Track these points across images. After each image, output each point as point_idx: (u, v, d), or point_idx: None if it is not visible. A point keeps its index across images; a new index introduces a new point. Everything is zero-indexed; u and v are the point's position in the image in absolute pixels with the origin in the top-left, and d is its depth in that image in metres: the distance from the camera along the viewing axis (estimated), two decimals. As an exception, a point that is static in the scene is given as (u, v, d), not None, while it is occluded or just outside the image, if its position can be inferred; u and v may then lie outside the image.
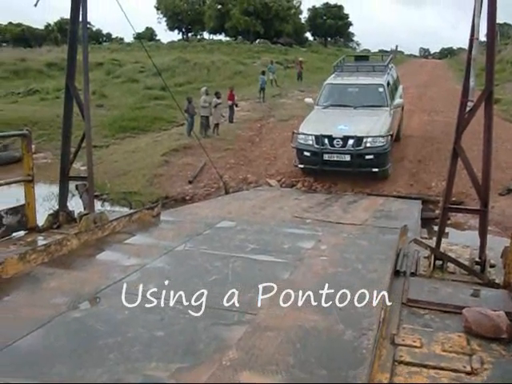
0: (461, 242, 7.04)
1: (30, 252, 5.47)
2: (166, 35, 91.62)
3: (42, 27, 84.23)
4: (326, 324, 4.13)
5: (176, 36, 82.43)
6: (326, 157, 12.58)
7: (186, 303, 4.53)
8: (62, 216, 7.29)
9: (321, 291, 4.83)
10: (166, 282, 5.06)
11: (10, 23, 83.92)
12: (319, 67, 39.54)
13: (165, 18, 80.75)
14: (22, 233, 6.95)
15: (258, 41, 65.76)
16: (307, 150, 12.90)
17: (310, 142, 12.80)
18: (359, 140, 12.30)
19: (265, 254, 6.02)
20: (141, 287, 4.90)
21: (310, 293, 4.77)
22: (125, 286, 4.95)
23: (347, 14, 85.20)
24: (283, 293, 4.80)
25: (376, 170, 12.43)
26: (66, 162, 7.43)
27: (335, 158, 12.49)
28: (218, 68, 38.92)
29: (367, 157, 12.31)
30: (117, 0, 7.43)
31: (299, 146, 13.13)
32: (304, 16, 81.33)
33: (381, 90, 14.05)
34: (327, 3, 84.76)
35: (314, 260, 5.83)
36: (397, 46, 74.37)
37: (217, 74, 36.53)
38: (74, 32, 7.17)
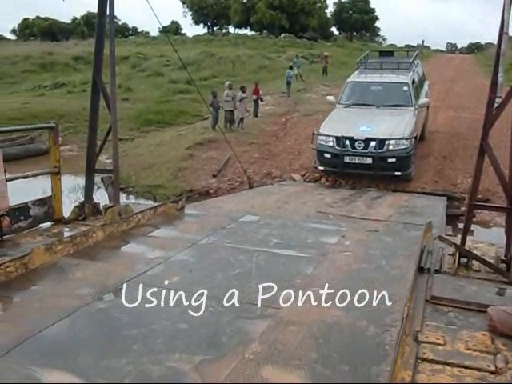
0: (486, 239, 6.96)
1: (57, 243, 5.56)
2: (192, 29, 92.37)
3: (68, 21, 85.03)
4: (349, 320, 4.13)
5: (201, 30, 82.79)
6: (346, 159, 12.11)
7: (209, 296, 4.56)
8: (87, 208, 7.36)
9: (344, 287, 4.83)
10: (190, 275, 5.10)
11: (38, 17, 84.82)
12: (344, 62, 39.25)
13: (190, 12, 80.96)
14: (48, 224, 7.05)
15: (283, 35, 65.60)
16: (327, 152, 12.43)
17: (331, 144, 12.31)
18: (381, 142, 11.83)
19: (288, 248, 6.03)
20: (164, 279, 4.96)
21: (334, 288, 4.77)
22: (148, 278, 5.01)
23: (373, 9, 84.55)
24: (306, 287, 4.81)
25: (398, 173, 11.93)
26: (92, 154, 7.50)
27: (356, 161, 12.04)
28: (243, 62, 38.92)
29: (389, 160, 11.84)
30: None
31: (319, 148, 12.67)
32: (330, 10, 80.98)
33: (405, 88, 13.49)
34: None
35: (337, 255, 5.83)
36: (423, 41, 73.45)
37: (242, 68, 36.53)
38: (101, 26, 7.23)
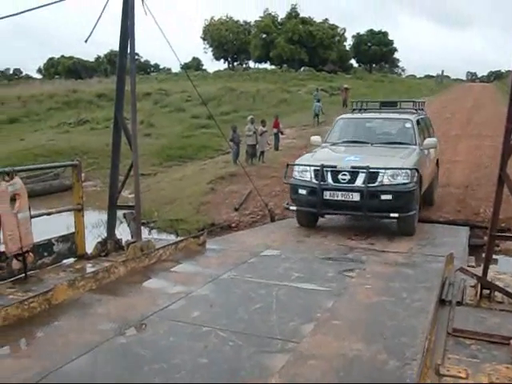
0: (511, 269, 6.89)
1: (79, 279, 5.64)
2: (212, 65, 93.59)
3: (92, 60, 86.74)
4: (370, 353, 4.11)
5: (222, 65, 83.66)
6: (327, 195, 9.26)
7: (230, 331, 4.57)
8: (110, 244, 7.46)
9: (364, 320, 4.82)
10: (211, 310, 5.13)
11: (63, 56, 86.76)
12: (364, 93, 39.43)
13: (211, 48, 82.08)
14: (71, 260, 7.14)
15: (302, 68, 66.18)
16: (303, 187, 9.59)
17: (308, 177, 9.56)
18: (373, 174, 9.05)
19: (309, 282, 6.03)
20: (186, 314, 4.99)
21: (354, 322, 4.77)
22: (169, 313, 5.05)
23: (392, 40, 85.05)
24: (327, 321, 4.81)
25: (395, 215, 9.00)
26: (114, 191, 7.62)
27: (339, 198, 9.19)
28: (263, 96, 39.25)
29: (383, 197, 8.99)
30: (162, 33, 7.63)
31: (294, 182, 9.87)
32: (348, 43, 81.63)
33: (408, 125, 10.90)
34: (372, 30, 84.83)
35: (358, 289, 5.82)
36: (443, 71, 73.91)
37: (262, 102, 36.82)
38: (122, 65, 7.42)
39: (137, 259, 6.54)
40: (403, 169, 9.17)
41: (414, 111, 11.92)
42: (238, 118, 27.65)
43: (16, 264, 6.11)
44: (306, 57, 70.25)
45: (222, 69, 76.95)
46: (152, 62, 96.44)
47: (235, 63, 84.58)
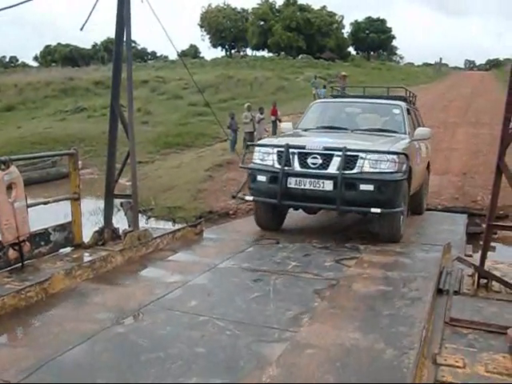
0: (509, 257, 6.90)
1: (76, 268, 5.63)
2: (210, 52, 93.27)
3: (89, 47, 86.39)
4: (367, 343, 4.11)
5: (219, 53, 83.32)
6: (291, 183, 7.53)
7: (227, 320, 4.57)
8: (107, 233, 7.45)
9: (362, 309, 4.82)
10: (208, 299, 5.13)
11: (59, 44, 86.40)
12: (362, 81, 39.33)
13: (208, 36, 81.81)
14: (68, 249, 7.13)
15: (300, 56, 65.93)
16: (263, 172, 7.83)
17: (270, 161, 7.81)
18: (351, 158, 7.32)
19: (306, 271, 6.02)
20: (183, 303, 4.99)
21: (351, 311, 4.77)
22: (167, 302, 5.05)
23: (390, 28, 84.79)
24: (324, 311, 4.81)
25: (377, 210, 7.17)
26: (111, 180, 7.60)
27: (307, 186, 7.44)
28: (261, 84, 39.19)
29: (363, 187, 7.25)
30: (158, 20, 7.55)
31: (252, 167, 8.12)
32: (346, 30, 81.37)
33: (397, 111, 9.21)
34: (370, 17, 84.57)
35: (355, 278, 5.81)
36: (441, 59, 73.72)
37: (260, 90, 36.77)
38: (118, 53, 7.37)
39: (134, 248, 6.52)
40: (390, 153, 7.41)
41: (404, 100, 10.03)
42: (236, 105, 27.65)
43: (12, 253, 6.10)
44: (303, 44, 70.01)
45: (219, 56, 76.70)
46: (149, 50, 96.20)
47: (233, 51, 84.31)
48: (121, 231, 7.52)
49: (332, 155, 7.42)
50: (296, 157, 7.61)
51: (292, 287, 5.47)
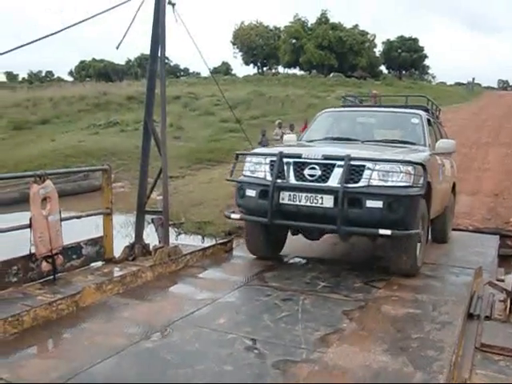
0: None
1: (107, 282, 5.71)
2: (242, 69, 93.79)
3: (123, 63, 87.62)
4: (395, 366, 4.08)
5: (251, 70, 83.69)
6: (284, 198, 6.45)
7: (255, 339, 4.58)
8: (137, 248, 7.53)
9: (391, 332, 4.79)
10: (236, 317, 5.14)
11: (94, 59, 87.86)
12: (394, 100, 39.23)
13: (240, 53, 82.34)
14: (99, 263, 7.22)
15: (332, 74, 65.90)
16: (252, 186, 6.77)
17: (262, 173, 6.77)
18: (356, 168, 6.22)
19: (336, 292, 6.00)
20: (211, 321, 5.01)
21: (380, 333, 4.74)
22: (196, 318, 5.08)
23: (422, 47, 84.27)
24: (353, 332, 4.79)
25: (386, 232, 5.98)
26: (143, 196, 7.70)
27: (303, 202, 6.33)
28: (292, 101, 39.25)
29: (370, 203, 6.09)
30: (192, 40, 7.65)
31: (241, 180, 7.08)
32: (378, 49, 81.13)
33: (415, 120, 8.04)
34: (402, 36, 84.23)
35: (384, 300, 5.77)
36: (473, 79, 72.82)
37: (291, 107, 36.82)
38: (152, 72, 7.50)
39: (164, 264, 6.59)
40: (404, 162, 6.20)
41: (425, 110, 8.73)
42: (267, 122, 27.70)
43: (45, 266, 6.21)
44: (335, 62, 70.01)
45: (251, 73, 77.11)
46: (182, 66, 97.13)
47: (264, 68, 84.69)
48: (151, 247, 7.59)
49: (333, 165, 6.28)
50: (291, 167, 6.50)
51: (320, 307, 5.45)
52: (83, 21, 6.40)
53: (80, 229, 8.00)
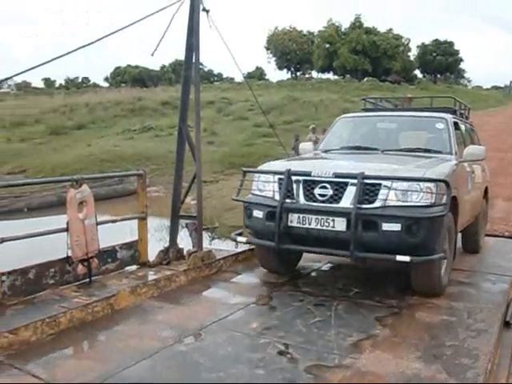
0: None
1: (141, 286, 5.79)
2: (275, 74, 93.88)
3: (157, 68, 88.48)
4: (429, 373, 4.05)
5: (285, 75, 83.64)
6: (293, 220, 5.91)
7: (287, 343, 4.59)
8: (171, 253, 7.59)
9: (425, 338, 4.75)
10: (269, 322, 5.15)
11: (129, 65, 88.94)
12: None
13: (274, 58, 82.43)
14: (134, 267, 7.30)
15: (366, 79, 65.61)
16: (260, 206, 6.24)
17: (270, 192, 6.23)
18: (371, 187, 5.63)
19: (368, 298, 5.97)
20: (244, 325, 5.04)
21: (413, 340, 4.70)
22: (228, 323, 5.11)
23: (458, 50, 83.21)
24: (386, 338, 4.77)
25: (405, 258, 5.38)
26: (177, 200, 7.76)
27: (313, 225, 5.79)
28: (325, 106, 39.14)
29: (386, 226, 5.48)
30: (226, 46, 7.69)
31: (248, 199, 6.56)
32: (413, 53, 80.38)
33: (441, 126, 7.43)
34: (437, 39, 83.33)
35: (419, 306, 5.71)
36: (511, 82, 71.74)
37: (325, 112, 36.69)
38: (187, 78, 7.56)
39: (197, 269, 6.66)
40: (424, 180, 5.60)
41: (452, 113, 8.13)
42: (301, 127, 27.69)
43: (81, 269, 6.31)
44: (369, 67, 69.62)
45: (284, 78, 77.14)
46: (215, 72, 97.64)
47: (298, 73, 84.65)
48: (185, 251, 7.64)
49: (346, 184, 5.71)
50: (301, 186, 5.96)
51: (353, 313, 5.43)
52: (122, 29, 6.49)
53: (115, 232, 8.11)
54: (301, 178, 5.98)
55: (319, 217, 5.73)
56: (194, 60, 7.38)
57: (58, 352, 4.52)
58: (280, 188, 6.05)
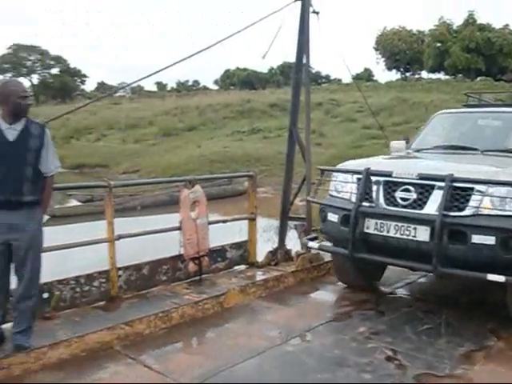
0: None
1: (250, 285, 5.91)
2: (384, 75, 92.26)
3: (265, 71, 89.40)
4: None
5: (393, 76, 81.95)
6: (369, 226, 5.27)
7: (395, 349, 4.52)
8: (280, 254, 7.65)
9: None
10: (377, 327, 5.09)
11: (238, 68, 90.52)
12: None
13: (383, 59, 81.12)
14: (242, 267, 7.42)
15: (479, 78, 63.10)
16: (335, 209, 5.66)
17: (347, 193, 5.64)
18: (461, 192, 4.87)
19: (480, 307, 5.72)
20: (351, 329, 5.01)
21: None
22: (336, 325, 5.11)
23: None
24: (501, 351, 4.58)
25: (500, 278, 4.58)
26: (287, 202, 7.81)
27: (392, 233, 5.10)
28: (435, 107, 37.89)
29: (477, 238, 4.67)
30: (337, 49, 7.71)
31: (325, 202, 5.99)
32: (533, 49, 76.46)
33: None
34: (562, 35, 78.84)
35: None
36: None
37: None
38: (297, 80, 7.60)
39: (306, 270, 6.69)
40: None
41: None
42: (410, 128, 27.02)
43: (192, 267, 6.51)
44: (482, 66, 66.85)
45: (393, 79, 75.70)
46: (323, 73, 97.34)
47: (407, 73, 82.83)
48: (293, 252, 7.69)
49: (432, 187, 4.99)
50: (381, 188, 5.30)
51: (464, 322, 5.24)
52: (236, 33, 6.65)
53: (223, 232, 8.29)
54: (381, 178, 5.32)
55: (399, 224, 5.04)
56: (304, 62, 7.41)
57: (170, 345, 4.72)
58: (357, 190, 5.43)
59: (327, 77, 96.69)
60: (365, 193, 5.31)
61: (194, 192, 6.42)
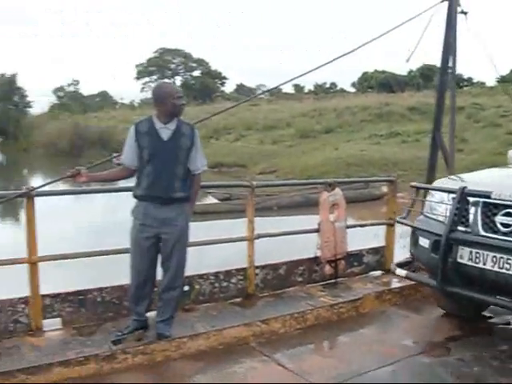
0: None
1: (386, 292, 5.86)
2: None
3: (404, 73, 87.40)
4: None
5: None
6: (463, 256, 4.33)
7: None
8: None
9: None
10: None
11: (376, 70, 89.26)
12: None
13: (534, 60, 76.60)
14: (378, 272, 7.32)
15: None
16: (426, 233, 4.81)
17: (442, 215, 4.70)
18: None
19: None
20: (491, 346, 4.80)
21: None
22: (475, 341, 4.91)
23: None
24: None
25: None
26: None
27: (488, 265, 4.11)
28: None
29: None
30: (485, 49, 7.35)
31: (416, 224, 5.21)
32: None
33: None
34: None
35: None
36: None
37: None
38: (443, 83, 7.38)
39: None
40: None
41: None
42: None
43: (328, 269, 6.52)
44: None
45: (545, 82, 71.24)
46: (465, 76, 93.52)
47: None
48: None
49: None
50: (479, 210, 4.33)
51: None
52: (381, 36, 6.59)
53: (359, 236, 8.24)
54: (480, 199, 4.35)
55: (497, 255, 4.08)
56: (450, 64, 7.19)
57: (304, 346, 4.78)
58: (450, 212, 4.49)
59: (469, 79, 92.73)
60: (461, 216, 4.42)
61: (333, 195, 6.45)
